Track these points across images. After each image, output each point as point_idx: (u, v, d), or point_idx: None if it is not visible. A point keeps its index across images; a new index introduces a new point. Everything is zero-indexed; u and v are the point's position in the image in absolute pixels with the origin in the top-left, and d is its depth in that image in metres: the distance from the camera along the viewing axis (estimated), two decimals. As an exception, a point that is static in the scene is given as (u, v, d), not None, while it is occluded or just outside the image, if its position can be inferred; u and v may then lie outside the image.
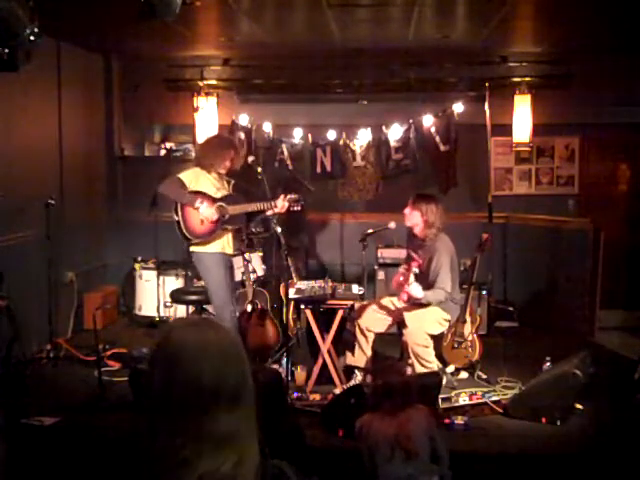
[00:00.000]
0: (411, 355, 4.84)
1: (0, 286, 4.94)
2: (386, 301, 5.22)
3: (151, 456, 1.23)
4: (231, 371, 1.28)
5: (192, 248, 5.05)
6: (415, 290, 4.77)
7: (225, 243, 5.05)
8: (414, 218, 5.06)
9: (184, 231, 4.97)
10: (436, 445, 3.24)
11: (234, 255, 6.22)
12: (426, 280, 5.01)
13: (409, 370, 4.77)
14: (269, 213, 5.00)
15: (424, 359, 4.81)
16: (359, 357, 5.15)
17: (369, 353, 5.14)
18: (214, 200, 4.94)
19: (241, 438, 1.27)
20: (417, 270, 4.86)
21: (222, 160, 5.01)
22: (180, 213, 4.96)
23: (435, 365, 4.89)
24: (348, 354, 5.23)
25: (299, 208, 5.15)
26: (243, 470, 1.24)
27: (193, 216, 4.94)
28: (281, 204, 4.95)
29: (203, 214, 4.90)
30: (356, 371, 5.14)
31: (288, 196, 4.99)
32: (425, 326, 4.88)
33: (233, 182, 5.21)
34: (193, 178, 4.99)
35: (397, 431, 3.18)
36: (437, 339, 5.07)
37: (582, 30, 5.68)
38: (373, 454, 3.23)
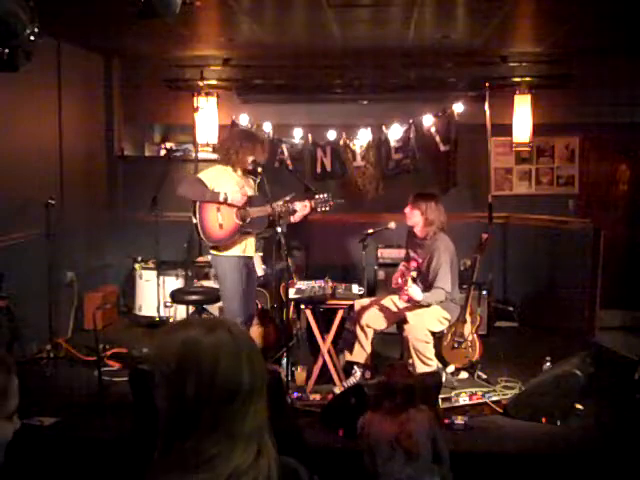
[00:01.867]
0: (411, 351, 4.84)
1: (0, 286, 4.94)
2: (387, 300, 5.22)
3: (181, 456, 1.24)
4: (254, 368, 1.31)
5: (212, 251, 4.93)
6: (414, 292, 4.77)
7: (246, 245, 4.90)
8: (414, 217, 5.07)
9: (201, 235, 4.82)
10: (438, 446, 3.24)
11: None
12: (426, 280, 5.02)
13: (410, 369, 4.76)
14: (296, 217, 4.87)
15: (424, 355, 4.81)
16: (358, 353, 5.16)
17: (368, 349, 5.14)
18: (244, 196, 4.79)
19: (262, 431, 1.31)
20: (415, 274, 4.86)
21: (248, 153, 4.78)
22: (199, 216, 4.78)
23: (435, 363, 4.90)
24: (347, 350, 5.24)
25: (328, 208, 4.94)
26: (262, 462, 1.28)
27: (212, 219, 4.78)
28: (302, 206, 4.85)
29: (233, 200, 4.70)
30: (355, 367, 5.15)
31: (317, 196, 4.89)
32: (426, 322, 4.89)
33: (259, 180, 4.98)
34: (214, 177, 4.82)
35: (398, 431, 3.18)
36: (437, 339, 5.08)
37: (582, 30, 5.68)
38: (374, 453, 3.23)
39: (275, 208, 4.77)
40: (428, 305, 4.89)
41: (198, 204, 4.81)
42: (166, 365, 1.28)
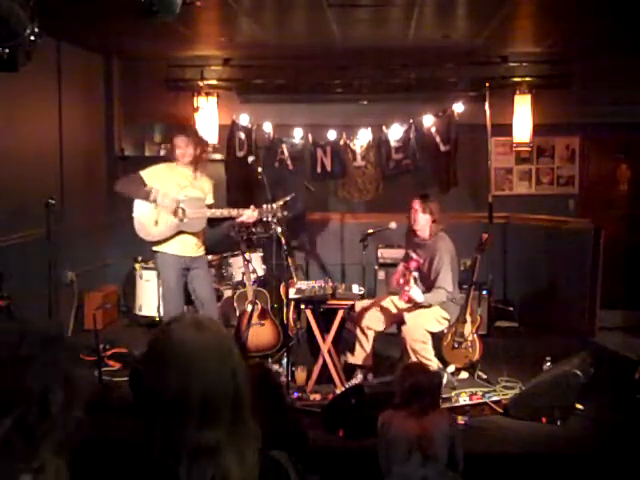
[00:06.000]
0: (409, 352, 4.84)
1: (0, 286, 4.94)
2: (387, 301, 5.22)
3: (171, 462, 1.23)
4: (219, 372, 1.28)
5: (153, 247, 5.00)
6: (416, 294, 4.76)
7: (182, 244, 4.92)
8: (424, 220, 5.06)
9: (137, 230, 4.91)
10: (455, 451, 3.21)
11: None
12: (427, 280, 5.01)
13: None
14: (238, 220, 4.93)
15: (422, 356, 4.80)
16: (359, 355, 5.16)
17: (369, 351, 5.15)
18: (176, 200, 4.87)
19: (246, 425, 1.28)
20: (417, 274, 4.85)
21: (175, 149, 4.91)
22: (135, 211, 4.90)
23: (435, 363, 4.89)
24: (348, 352, 5.24)
25: (274, 219, 4.88)
26: (245, 466, 1.26)
27: (148, 215, 4.86)
28: (249, 214, 4.84)
29: (161, 203, 4.80)
30: (357, 369, 5.15)
31: (264, 206, 4.85)
32: (424, 322, 4.89)
33: (213, 182, 5.14)
34: (156, 175, 4.90)
35: (420, 434, 3.14)
36: (437, 339, 5.08)
37: (582, 30, 5.68)
38: (390, 452, 3.21)
39: (215, 213, 4.86)
40: (429, 305, 4.89)
41: (135, 200, 4.91)
42: (146, 366, 1.30)
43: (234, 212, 4.88)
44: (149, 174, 4.92)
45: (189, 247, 4.96)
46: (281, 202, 4.95)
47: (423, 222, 5.08)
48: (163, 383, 1.26)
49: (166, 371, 1.26)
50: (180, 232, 4.90)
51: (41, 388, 1.25)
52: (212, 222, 5.02)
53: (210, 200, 5.08)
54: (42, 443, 1.22)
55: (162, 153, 7.57)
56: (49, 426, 1.23)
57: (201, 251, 5.09)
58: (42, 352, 1.26)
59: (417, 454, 3.12)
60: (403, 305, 5.04)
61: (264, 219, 4.92)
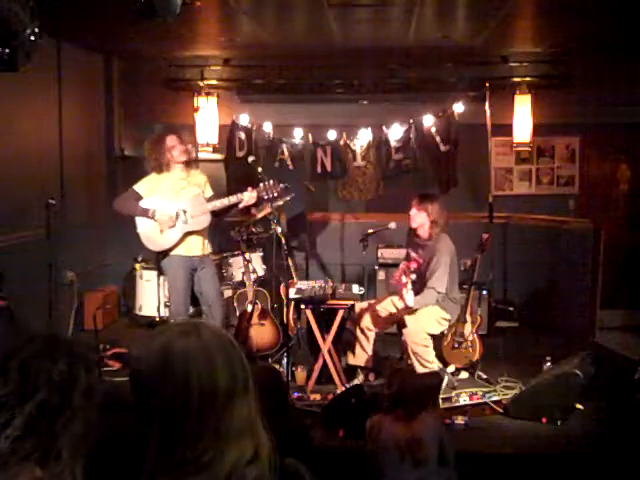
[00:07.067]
0: (411, 355, 4.84)
1: (0, 286, 4.94)
2: (387, 302, 5.22)
3: (168, 465, 1.23)
4: (233, 370, 1.28)
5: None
6: (408, 298, 4.74)
7: (187, 245, 4.92)
8: (420, 219, 5.06)
9: (145, 243, 4.91)
10: (444, 448, 3.22)
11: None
12: (424, 279, 5.01)
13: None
14: (241, 205, 4.89)
15: (424, 359, 4.80)
16: (360, 356, 5.16)
17: (370, 352, 5.14)
18: (173, 211, 4.86)
19: (254, 429, 1.28)
20: (414, 277, 4.84)
21: (161, 155, 4.87)
22: (139, 225, 4.91)
23: (435, 365, 4.89)
24: (349, 354, 5.23)
25: (275, 194, 4.86)
26: (262, 459, 1.26)
27: (152, 226, 4.87)
28: (249, 196, 4.84)
29: (159, 220, 4.81)
30: (358, 370, 5.15)
31: (261, 184, 4.85)
32: (424, 325, 4.88)
33: (206, 175, 5.13)
34: (150, 186, 4.90)
35: (409, 438, 3.14)
36: (437, 339, 5.07)
37: (582, 30, 5.68)
38: (381, 457, 3.21)
39: (216, 205, 4.85)
40: (415, 311, 4.85)
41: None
42: (146, 371, 1.29)
43: (233, 199, 4.88)
44: (143, 186, 4.91)
45: (195, 247, 4.95)
46: (281, 202, 4.95)
47: (419, 220, 5.07)
48: (163, 388, 1.26)
49: (167, 377, 1.26)
50: (187, 233, 4.89)
51: (64, 375, 1.26)
52: (217, 214, 5.01)
53: (209, 192, 5.08)
54: (62, 433, 1.23)
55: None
56: (69, 415, 1.25)
57: (207, 250, 5.09)
58: (67, 345, 1.29)
59: (408, 459, 3.12)
60: (403, 306, 5.03)
61: (264, 197, 4.89)
